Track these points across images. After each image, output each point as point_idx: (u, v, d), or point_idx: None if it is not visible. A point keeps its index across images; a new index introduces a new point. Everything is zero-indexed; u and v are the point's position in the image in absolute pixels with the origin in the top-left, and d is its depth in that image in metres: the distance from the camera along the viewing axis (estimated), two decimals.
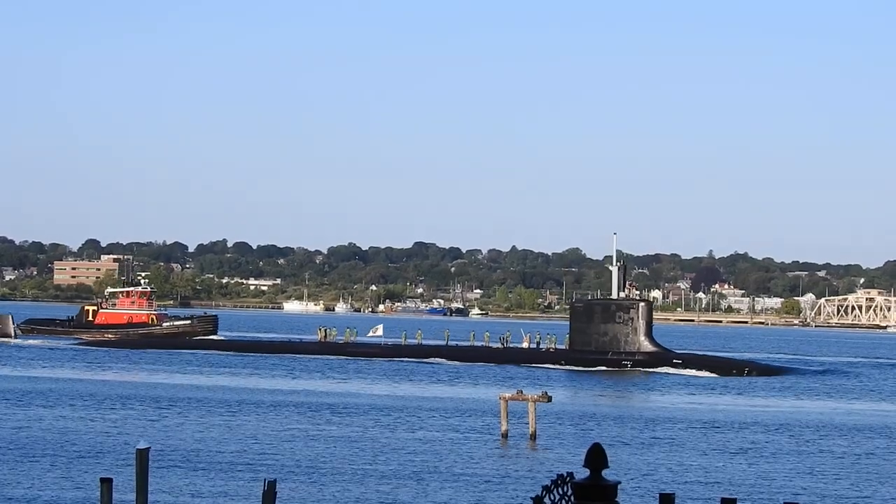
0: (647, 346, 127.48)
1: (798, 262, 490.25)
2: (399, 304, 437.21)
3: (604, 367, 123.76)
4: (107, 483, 34.05)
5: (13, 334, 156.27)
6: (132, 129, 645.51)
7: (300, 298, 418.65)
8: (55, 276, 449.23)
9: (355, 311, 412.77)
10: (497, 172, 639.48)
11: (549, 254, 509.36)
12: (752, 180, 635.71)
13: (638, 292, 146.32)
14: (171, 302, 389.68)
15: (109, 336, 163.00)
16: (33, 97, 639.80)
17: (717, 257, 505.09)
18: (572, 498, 11.55)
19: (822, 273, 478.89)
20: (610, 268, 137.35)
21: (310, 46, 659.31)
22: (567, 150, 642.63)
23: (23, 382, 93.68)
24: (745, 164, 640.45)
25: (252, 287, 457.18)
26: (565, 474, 11.83)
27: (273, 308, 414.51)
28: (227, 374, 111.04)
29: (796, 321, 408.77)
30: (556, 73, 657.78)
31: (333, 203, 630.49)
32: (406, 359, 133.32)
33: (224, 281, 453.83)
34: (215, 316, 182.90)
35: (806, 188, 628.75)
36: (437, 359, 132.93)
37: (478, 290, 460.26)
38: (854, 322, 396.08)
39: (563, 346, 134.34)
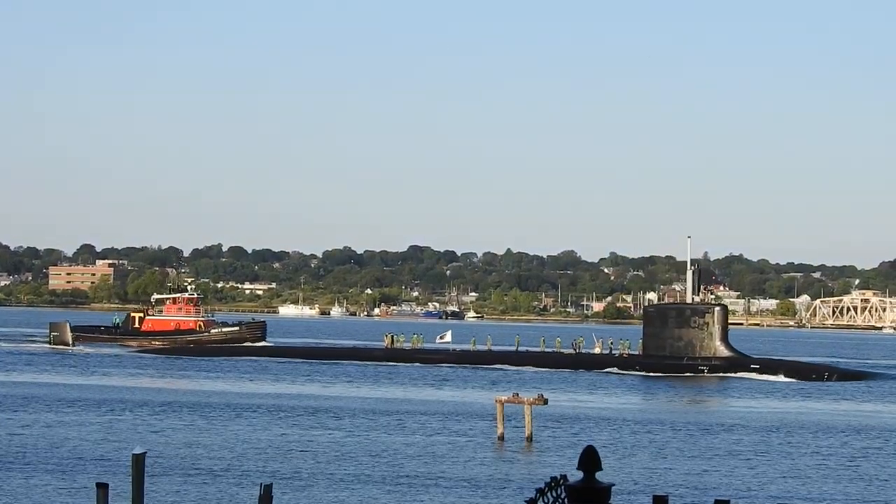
0: (723, 350, 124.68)
1: (793, 263, 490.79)
2: (394, 307, 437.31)
3: (680, 373, 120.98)
4: (102, 488, 34.03)
5: (71, 342, 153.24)
6: (127, 134, 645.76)
7: (295, 303, 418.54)
8: (50, 282, 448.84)
9: (351, 314, 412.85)
10: (491, 175, 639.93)
11: (544, 256, 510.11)
12: (747, 182, 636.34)
13: (714, 296, 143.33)
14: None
15: (157, 343, 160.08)
16: (26, 102, 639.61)
17: (712, 259, 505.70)
18: (566, 500, 11.58)
19: (817, 274, 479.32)
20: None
21: (302, 49, 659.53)
22: (561, 152, 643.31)
23: (86, 391, 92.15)
24: (739, 166, 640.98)
25: (247, 291, 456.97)
26: (559, 477, 11.86)
27: (268, 312, 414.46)
28: (302, 382, 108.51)
29: (791, 322, 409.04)
30: (549, 76, 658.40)
31: (328, 207, 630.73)
32: (474, 365, 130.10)
33: (219, 285, 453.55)
34: (263, 322, 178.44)
35: (800, 190, 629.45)
36: (506, 365, 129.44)
37: (473, 293, 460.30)
38: (849, 323, 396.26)
39: (636, 352, 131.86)
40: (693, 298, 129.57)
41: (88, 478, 49.91)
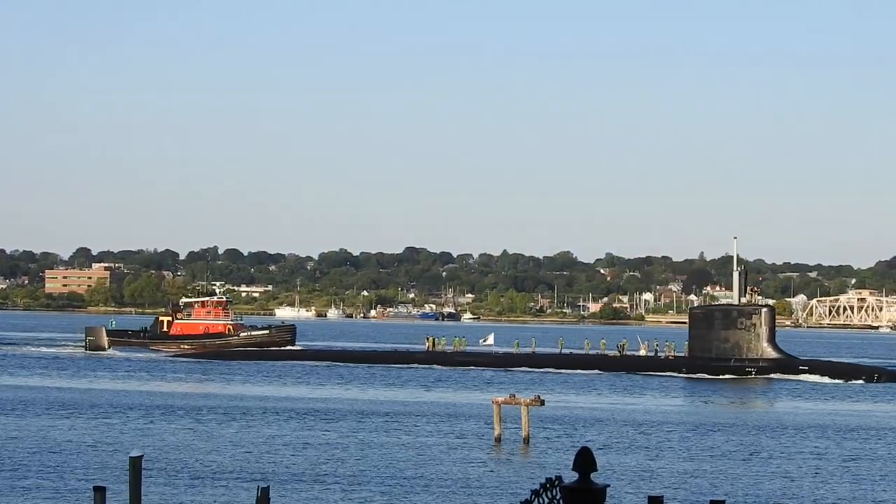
0: (770, 352, 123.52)
1: (789, 263, 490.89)
2: (391, 309, 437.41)
3: (728, 375, 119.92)
4: (100, 492, 34.07)
5: (107, 346, 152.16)
6: (122, 137, 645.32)
7: (292, 305, 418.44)
8: (46, 285, 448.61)
9: (347, 316, 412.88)
10: (487, 176, 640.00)
11: (540, 257, 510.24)
12: (743, 182, 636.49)
13: (761, 298, 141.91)
14: (164, 309, 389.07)
15: (186, 347, 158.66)
16: (23, 105, 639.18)
17: (708, 259, 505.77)
18: (561, 502, 11.61)
19: (813, 274, 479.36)
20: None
21: (300, 51, 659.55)
22: (557, 154, 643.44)
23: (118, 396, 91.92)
24: (735, 167, 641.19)
25: (244, 294, 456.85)
26: (554, 478, 11.89)
27: (265, 315, 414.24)
28: (338, 386, 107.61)
29: (788, 322, 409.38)
30: (546, 76, 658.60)
31: (324, 209, 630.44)
32: (517, 368, 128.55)
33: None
34: (293, 325, 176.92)
35: (796, 189, 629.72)
36: (550, 368, 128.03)
37: (469, 295, 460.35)
38: (846, 323, 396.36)
39: (682, 354, 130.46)
40: (740, 300, 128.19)
41: (88, 482, 49.85)
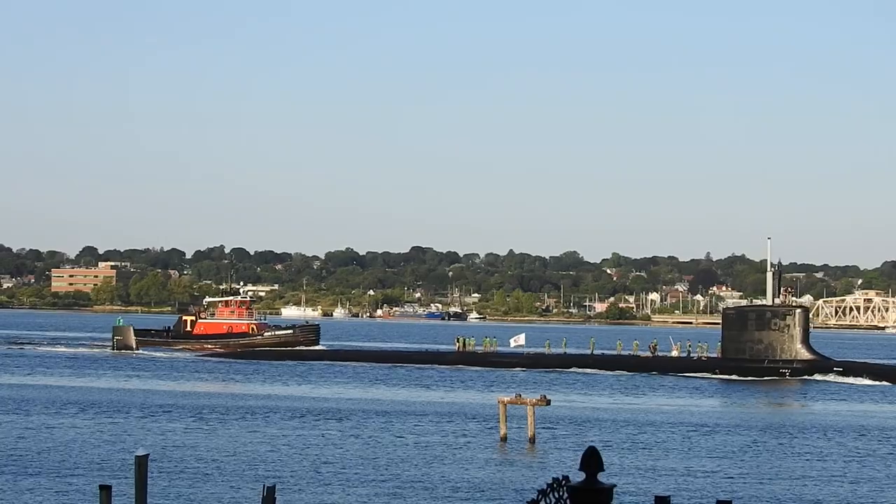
0: (804, 353, 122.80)
1: (795, 263, 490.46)
2: (397, 308, 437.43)
3: (762, 377, 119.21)
4: (106, 490, 34.07)
5: (135, 346, 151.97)
6: (128, 137, 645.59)
7: (298, 304, 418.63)
8: (53, 284, 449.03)
9: (353, 316, 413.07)
10: (494, 176, 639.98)
11: (547, 257, 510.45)
12: (749, 182, 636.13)
13: (795, 298, 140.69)
14: (170, 308, 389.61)
15: (210, 346, 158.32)
16: (27, 104, 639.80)
17: (714, 259, 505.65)
18: (568, 501, 11.62)
19: (819, 274, 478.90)
20: (766, 272, 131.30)
21: (302, 48, 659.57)
22: (564, 154, 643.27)
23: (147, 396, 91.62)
24: (740, 167, 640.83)
25: (250, 293, 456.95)
26: (561, 478, 11.89)
27: (271, 314, 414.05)
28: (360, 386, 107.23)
29: None
30: (552, 76, 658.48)
31: (330, 208, 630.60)
32: (548, 369, 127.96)
33: (222, 287, 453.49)
34: (317, 325, 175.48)
35: (803, 189, 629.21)
36: (582, 368, 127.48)
37: (475, 294, 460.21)
38: (852, 323, 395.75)
39: (714, 355, 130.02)
40: (773, 300, 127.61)
41: (96, 480, 49.88)
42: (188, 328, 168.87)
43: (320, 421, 76.35)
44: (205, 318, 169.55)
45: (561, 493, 11.69)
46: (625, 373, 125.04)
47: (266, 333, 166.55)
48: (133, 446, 58.46)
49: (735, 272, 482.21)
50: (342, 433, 70.14)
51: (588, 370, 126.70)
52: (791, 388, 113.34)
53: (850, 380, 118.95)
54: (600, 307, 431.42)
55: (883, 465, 61.98)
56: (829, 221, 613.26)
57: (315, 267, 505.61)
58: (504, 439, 66.52)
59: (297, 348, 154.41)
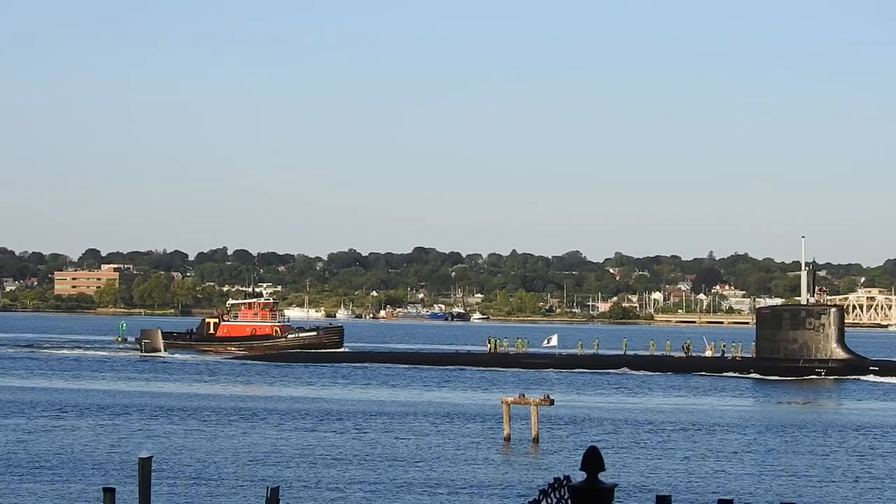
0: (839, 353, 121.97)
1: (798, 262, 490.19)
2: (400, 309, 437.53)
3: (797, 376, 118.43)
4: (109, 493, 34.12)
5: (163, 349, 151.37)
6: (129, 135, 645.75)
7: (301, 305, 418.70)
8: (56, 287, 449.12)
9: (356, 317, 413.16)
10: (496, 176, 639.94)
11: (550, 257, 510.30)
12: (752, 181, 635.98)
13: (830, 297, 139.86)
14: (173, 311, 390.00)
15: (233, 349, 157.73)
16: (28, 106, 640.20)
17: (717, 258, 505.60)
18: (569, 501, 11.65)
19: (822, 273, 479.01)
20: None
21: (305, 49, 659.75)
22: (566, 153, 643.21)
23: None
24: (743, 165, 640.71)
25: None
26: (562, 477, 11.92)
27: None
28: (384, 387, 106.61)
29: None
30: (555, 77, 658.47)
31: (333, 209, 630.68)
32: (581, 369, 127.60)
33: (225, 289, 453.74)
34: (341, 327, 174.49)
35: (805, 188, 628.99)
36: (616, 369, 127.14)
37: (478, 295, 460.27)
38: (855, 321, 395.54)
39: (749, 355, 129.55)
40: (808, 300, 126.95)
41: (101, 482, 49.93)
42: (211, 330, 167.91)
43: (343, 422, 76.45)
44: (228, 321, 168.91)
45: (562, 493, 11.72)
46: (658, 373, 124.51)
47: (290, 335, 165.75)
48: (155, 448, 58.56)
49: (738, 271, 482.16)
50: (354, 434, 70.20)
51: (621, 371, 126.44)
52: (826, 387, 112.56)
53: (888, 379, 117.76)
54: (603, 307, 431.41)
55: None
56: (832, 220, 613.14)
57: (318, 268, 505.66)
58: (507, 439, 66.56)
59: (324, 350, 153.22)
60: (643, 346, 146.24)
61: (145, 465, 34.75)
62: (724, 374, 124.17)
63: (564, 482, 11.79)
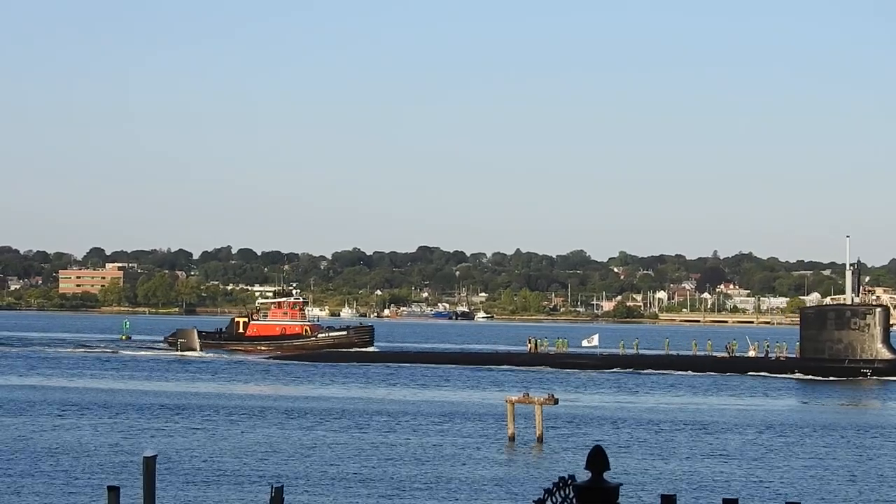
0: (885, 353, 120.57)
1: (803, 261, 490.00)
2: (404, 308, 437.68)
3: (842, 377, 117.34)
4: (113, 491, 34.13)
5: (199, 348, 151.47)
6: (129, 135, 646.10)
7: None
8: (60, 285, 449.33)
9: (361, 315, 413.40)
10: (500, 175, 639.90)
11: (554, 256, 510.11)
12: (756, 180, 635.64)
13: (876, 297, 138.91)
14: (177, 309, 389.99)
15: (263, 348, 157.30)
16: (30, 106, 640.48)
17: (721, 257, 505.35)
18: (574, 501, 11.63)
19: (827, 272, 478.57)
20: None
21: (306, 48, 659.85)
22: (570, 152, 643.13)
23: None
24: (748, 165, 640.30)
25: (257, 293, 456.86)
26: (567, 477, 11.90)
27: None
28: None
29: None
30: (558, 75, 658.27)
31: (337, 208, 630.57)
32: (623, 369, 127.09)
33: (229, 288, 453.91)
34: (371, 326, 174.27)
35: (809, 187, 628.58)
36: (658, 370, 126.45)
37: (483, 294, 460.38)
38: None
39: (793, 355, 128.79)
40: (853, 299, 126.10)
41: (105, 480, 49.96)
42: (241, 330, 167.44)
43: (366, 421, 76.55)
44: (258, 320, 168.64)
45: (567, 493, 11.70)
46: (701, 374, 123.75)
47: (319, 335, 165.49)
48: (161, 446, 58.59)
49: (742, 270, 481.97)
50: (376, 433, 70.23)
51: (664, 371, 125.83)
52: (873, 388, 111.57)
53: None
54: (608, 306, 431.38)
55: None
56: (837, 219, 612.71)
57: (322, 267, 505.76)
58: (512, 438, 66.55)
59: (356, 350, 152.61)
60: (658, 345, 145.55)
61: (150, 464, 34.74)
62: (768, 373, 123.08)
63: (569, 481, 11.78)
